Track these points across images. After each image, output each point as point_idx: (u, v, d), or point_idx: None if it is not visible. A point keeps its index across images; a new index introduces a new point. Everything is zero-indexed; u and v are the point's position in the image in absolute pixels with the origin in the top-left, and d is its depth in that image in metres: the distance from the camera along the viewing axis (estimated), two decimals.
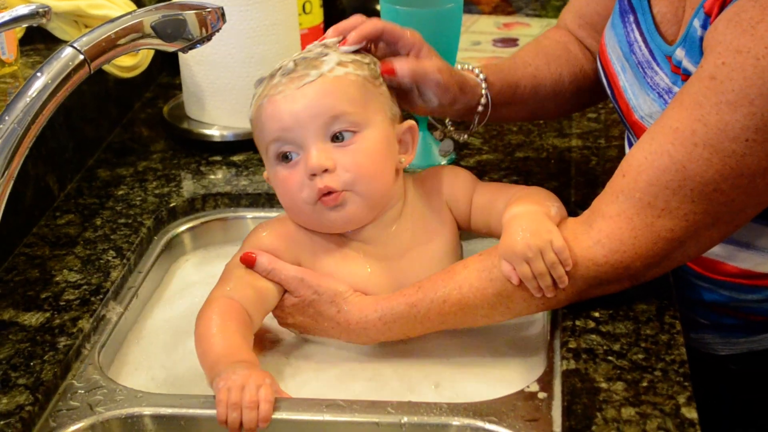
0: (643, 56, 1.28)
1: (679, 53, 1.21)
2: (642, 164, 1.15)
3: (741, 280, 1.30)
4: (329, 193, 1.21)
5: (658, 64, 1.26)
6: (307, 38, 2.05)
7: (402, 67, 1.26)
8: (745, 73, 1.08)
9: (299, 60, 1.24)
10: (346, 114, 1.21)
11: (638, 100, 1.30)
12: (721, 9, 1.13)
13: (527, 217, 1.20)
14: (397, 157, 1.26)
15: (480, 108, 1.38)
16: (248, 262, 1.25)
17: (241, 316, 1.21)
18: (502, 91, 1.41)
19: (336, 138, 1.21)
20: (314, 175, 1.20)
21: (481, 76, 1.39)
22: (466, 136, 1.48)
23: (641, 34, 1.29)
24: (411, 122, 1.28)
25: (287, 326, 1.29)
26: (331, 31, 1.28)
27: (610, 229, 1.16)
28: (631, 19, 1.31)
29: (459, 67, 1.41)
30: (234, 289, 1.24)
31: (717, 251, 1.29)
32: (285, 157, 1.23)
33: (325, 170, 1.20)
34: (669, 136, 1.13)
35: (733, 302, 1.32)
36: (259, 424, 1.09)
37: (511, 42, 2.15)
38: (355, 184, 1.21)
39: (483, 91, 1.38)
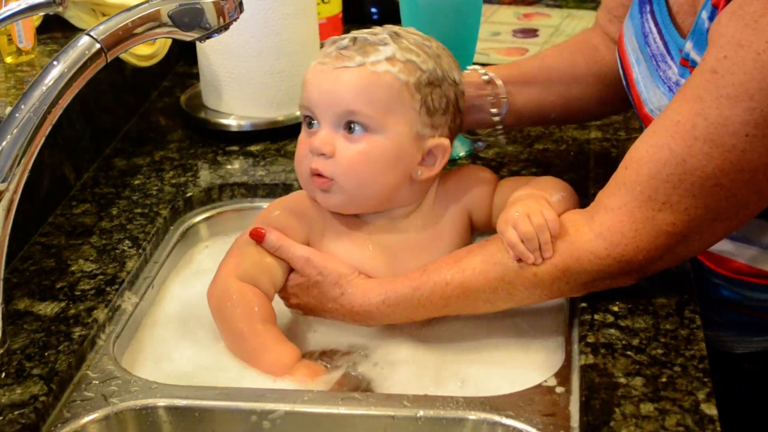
0: (658, 49, 1.27)
1: (688, 46, 1.20)
2: (644, 157, 1.14)
3: (752, 278, 1.28)
4: (320, 174, 1.23)
5: (672, 58, 1.25)
6: (325, 28, 2.05)
7: None
8: (745, 67, 1.07)
9: (359, 39, 1.24)
10: (361, 113, 1.21)
11: (649, 93, 1.28)
12: (728, 1, 1.11)
13: (526, 198, 1.23)
14: (411, 168, 1.24)
15: (496, 118, 1.40)
16: (257, 238, 1.26)
17: (264, 304, 1.24)
18: (510, 77, 1.41)
19: (349, 127, 1.22)
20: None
21: (499, 82, 1.40)
22: (502, 138, 1.46)
23: (656, 25, 1.27)
24: (443, 142, 1.25)
25: (291, 307, 1.29)
26: None
27: (611, 222, 1.15)
28: (648, 9, 1.30)
29: (466, 69, 1.41)
30: (247, 270, 1.25)
31: (725, 248, 1.28)
32: (309, 123, 1.25)
33: (323, 154, 1.22)
34: (670, 130, 1.12)
35: (746, 300, 1.31)
36: None
37: (530, 32, 2.14)
38: (343, 180, 1.23)
39: (503, 99, 1.40)
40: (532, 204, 1.20)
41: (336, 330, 1.28)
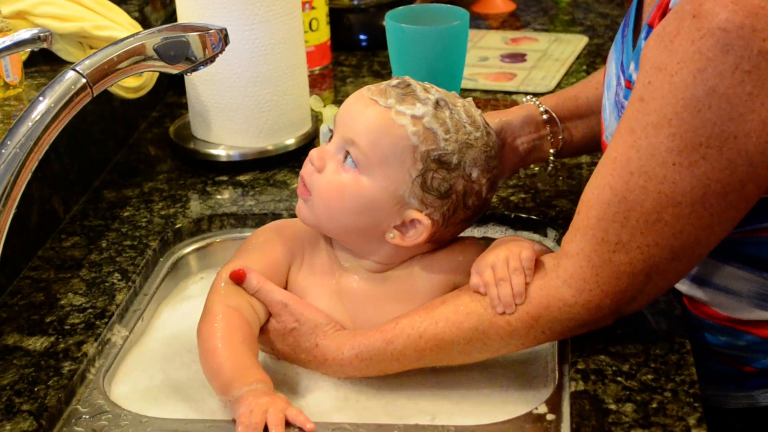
0: (621, 76, 1.25)
1: (631, 67, 1.19)
2: (591, 200, 1.13)
3: (729, 324, 1.26)
4: (305, 183, 1.24)
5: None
6: (313, 55, 2.05)
7: None
8: (662, 91, 1.06)
9: (411, 86, 1.21)
10: (359, 148, 1.20)
11: (607, 121, 1.28)
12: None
13: (508, 241, 1.22)
14: (383, 226, 1.22)
15: (552, 150, 1.39)
16: (237, 279, 1.24)
17: (245, 328, 1.21)
18: (567, 112, 1.40)
19: (346, 156, 1.21)
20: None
21: (548, 116, 1.39)
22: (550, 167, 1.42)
23: (623, 46, 1.26)
24: (424, 221, 1.21)
25: (267, 351, 1.27)
26: None
27: (573, 269, 1.13)
28: (623, 32, 1.29)
29: (524, 101, 1.41)
30: (233, 299, 1.23)
31: (698, 294, 1.26)
32: (331, 135, 1.26)
33: (314, 165, 1.22)
34: (609, 167, 1.11)
35: (726, 348, 1.27)
36: None
37: (519, 57, 2.14)
38: (316, 200, 1.23)
39: (548, 136, 1.38)
40: (512, 247, 1.19)
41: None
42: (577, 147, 1.42)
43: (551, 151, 1.39)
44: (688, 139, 1.05)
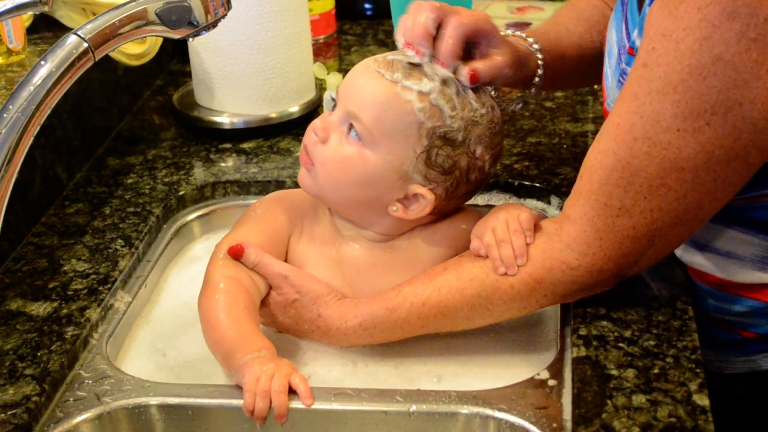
0: (621, 41, 1.24)
1: (635, 34, 1.18)
2: (593, 165, 1.13)
3: (728, 290, 1.26)
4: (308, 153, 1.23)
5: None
6: (317, 24, 2.05)
7: (484, 73, 1.21)
8: (668, 58, 1.05)
9: (417, 62, 1.19)
10: (362, 122, 1.18)
11: (609, 89, 1.27)
12: None
13: (506, 205, 1.22)
14: (386, 199, 1.21)
15: (536, 80, 1.35)
16: (235, 255, 1.23)
17: (246, 298, 1.20)
18: (551, 62, 1.37)
19: (350, 128, 1.20)
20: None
21: (536, 46, 1.35)
22: (520, 105, 1.40)
23: (624, 14, 1.25)
24: (427, 195, 1.20)
25: (269, 325, 1.27)
26: (402, 38, 1.20)
27: (576, 233, 1.13)
28: (626, 1, 1.28)
29: (510, 32, 1.37)
30: (233, 270, 1.22)
31: (696, 260, 1.26)
32: (333, 105, 1.24)
33: (317, 135, 1.21)
34: (612, 133, 1.11)
35: (726, 314, 1.28)
36: (284, 412, 1.10)
37: (524, 26, 2.13)
38: (319, 170, 1.22)
39: (539, 62, 1.34)
40: (511, 210, 1.19)
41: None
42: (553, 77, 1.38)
43: (539, 72, 1.35)
44: (692, 105, 1.05)
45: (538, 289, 1.16)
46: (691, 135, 1.06)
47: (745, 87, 1.03)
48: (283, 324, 1.25)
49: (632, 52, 1.19)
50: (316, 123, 1.22)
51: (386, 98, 1.18)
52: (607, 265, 1.13)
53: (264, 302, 1.25)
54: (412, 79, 1.18)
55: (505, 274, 1.16)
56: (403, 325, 1.20)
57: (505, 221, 1.17)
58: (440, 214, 1.26)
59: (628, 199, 1.10)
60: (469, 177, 1.22)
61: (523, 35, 1.36)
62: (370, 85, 1.19)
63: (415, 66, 1.19)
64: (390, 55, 1.22)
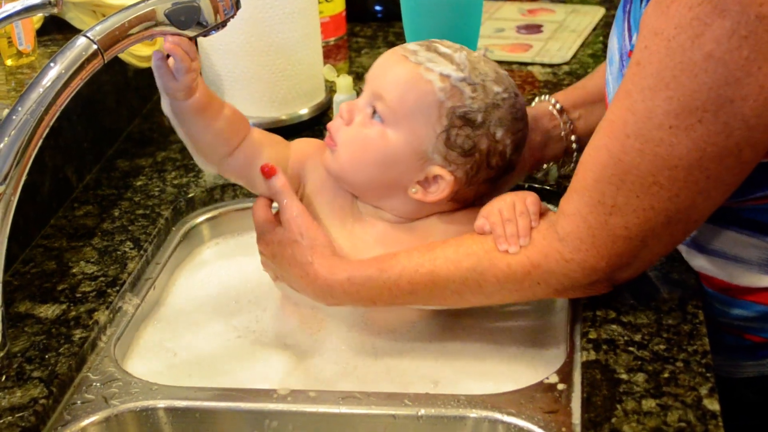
0: (625, 48, 1.24)
1: (635, 38, 1.18)
2: (588, 161, 1.13)
3: (733, 294, 1.25)
4: (332, 135, 1.25)
5: None
6: (328, 26, 2.05)
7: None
8: (659, 55, 1.05)
9: (441, 47, 1.23)
10: (385, 103, 1.21)
11: (611, 95, 1.27)
12: None
13: (516, 191, 1.23)
14: (406, 180, 1.23)
15: (572, 132, 1.39)
16: (267, 174, 1.26)
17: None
18: (578, 101, 1.40)
19: (374, 111, 1.22)
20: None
21: (555, 104, 1.39)
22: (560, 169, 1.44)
23: (628, 22, 1.25)
24: (447, 176, 1.22)
25: (265, 266, 1.29)
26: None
27: (570, 228, 1.13)
28: (627, 8, 1.28)
29: (535, 101, 1.41)
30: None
31: (701, 263, 1.26)
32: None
33: (342, 118, 1.23)
34: (606, 130, 1.11)
35: (734, 320, 1.27)
36: None
37: (535, 28, 2.13)
38: (342, 151, 1.24)
39: (562, 125, 1.38)
40: (519, 193, 1.20)
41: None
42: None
43: (572, 138, 1.39)
44: (684, 102, 1.05)
45: (533, 274, 1.15)
46: (683, 132, 1.05)
47: (737, 84, 1.03)
48: (279, 266, 1.26)
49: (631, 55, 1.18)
50: (343, 106, 1.25)
51: (409, 78, 1.21)
52: (599, 264, 1.13)
53: (267, 239, 1.26)
54: (436, 61, 1.21)
55: (506, 251, 1.16)
56: (392, 287, 1.19)
57: (512, 203, 1.18)
58: (461, 201, 1.27)
59: (621, 197, 1.10)
60: (489, 161, 1.23)
61: (554, 103, 1.40)
62: (395, 67, 1.22)
63: (441, 53, 1.22)
64: (414, 43, 1.25)
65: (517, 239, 1.16)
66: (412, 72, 1.21)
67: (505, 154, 1.24)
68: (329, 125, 1.26)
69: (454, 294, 1.18)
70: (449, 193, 1.23)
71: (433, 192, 1.23)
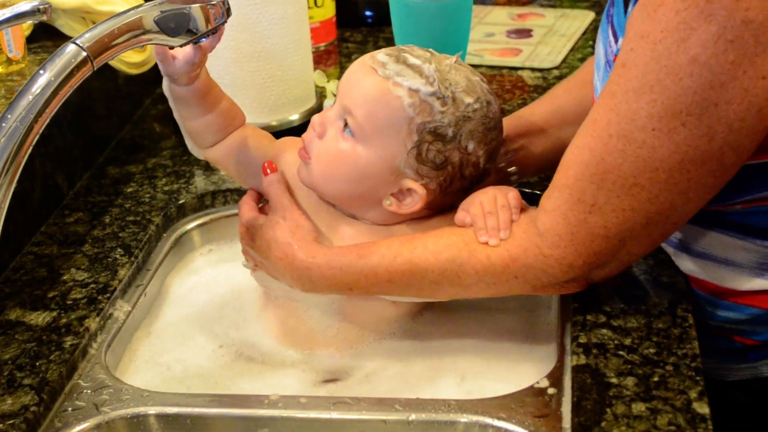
0: (610, 53, 1.25)
1: (620, 42, 1.19)
2: (570, 159, 1.13)
3: (722, 297, 1.26)
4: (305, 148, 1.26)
5: None
6: (318, 32, 2.05)
7: None
8: (645, 58, 1.05)
9: (410, 57, 1.21)
10: (355, 118, 1.20)
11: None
12: None
13: (495, 186, 1.23)
14: (380, 193, 1.23)
15: (511, 164, 1.38)
16: (266, 169, 1.29)
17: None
18: (521, 131, 1.39)
19: (345, 123, 1.22)
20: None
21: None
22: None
23: (612, 27, 1.26)
24: (419, 190, 1.21)
25: (245, 254, 1.30)
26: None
27: (550, 224, 1.14)
28: (611, 13, 1.29)
29: None
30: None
31: (688, 266, 1.26)
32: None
33: (315, 130, 1.24)
34: (589, 129, 1.11)
35: (724, 322, 1.27)
36: None
37: (525, 33, 2.13)
38: (315, 164, 1.24)
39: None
40: (500, 188, 1.21)
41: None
42: (539, 163, 1.40)
43: (511, 170, 1.38)
44: (668, 105, 1.05)
45: (511, 267, 1.15)
46: (665, 135, 1.06)
47: (721, 88, 1.03)
48: (259, 249, 1.25)
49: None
50: (314, 118, 1.24)
51: (377, 94, 1.19)
52: (577, 261, 1.13)
53: (250, 224, 1.27)
54: (405, 75, 1.19)
55: (486, 243, 1.16)
56: (369, 274, 1.19)
57: (493, 196, 1.19)
58: (436, 210, 1.26)
59: (601, 196, 1.10)
60: (463, 173, 1.23)
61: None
62: (363, 81, 1.21)
63: (410, 64, 1.20)
64: (387, 51, 1.23)
65: (498, 232, 1.16)
66: (381, 87, 1.19)
67: (479, 164, 1.24)
68: (303, 137, 1.25)
69: (432, 284, 1.18)
70: (423, 204, 1.23)
71: (407, 204, 1.23)
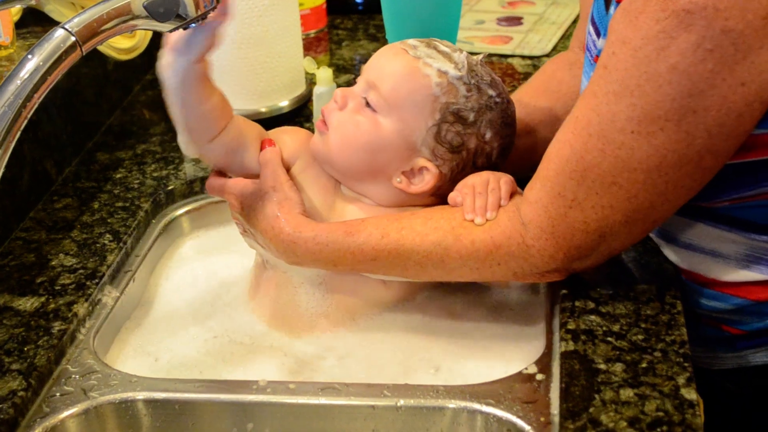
0: (594, 51, 1.25)
1: (600, 43, 1.19)
2: (552, 154, 1.14)
3: (705, 287, 1.26)
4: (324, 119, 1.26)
5: None
6: (308, 18, 2.05)
7: None
8: (626, 63, 1.06)
9: (442, 44, 1.25)
10: (378, 92, 1.22)
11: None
12: None
13: (492, 171, 1.24)
14: (392, 169, 1.24)
15: None
16: (263, 145, 1.28)
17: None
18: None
19: (367, 103, 1.23)
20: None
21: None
22: None
23: (594, 23, 1.26)
24: (433, 170, 1.23)
25: (234, 218, 1.29)
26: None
27: (532, 215, 1.15)
28: (592, 9, 1.29)
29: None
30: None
31: (671, 256, 1.27)
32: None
33: (336, 103, 1.25)
34: (571, 126, 1.12)
35: (708, 310, 1.27)
36: None
37: (515, 21, 2.13)
38: (332, 135, 1.24)
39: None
40: (494, 173, 1.22)
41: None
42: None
43: None
44: (647, 110, 1.06)
45: (494, 254, 1.16)
46: (644, 138, 1.07)
47: (700, 96, 1.04)
48: (247, 215, 1.26)
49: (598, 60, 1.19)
50: (337, 92, 1.26)
51: (406, 71, 1.22)
52: (558, 254, 1.14)
53: (242, 188, 1.26)
54: (435, 58, 1.23)
55: (472, 221, 1.17)
56: (355, 251, 1.20)
57: (486, 179, 1.20)
58: (441, 198, 1.27)
59: (581, 192, 1.11)
60: (476, 161, 1.25)
61: None
62: (393, 59, 1.24)
63: (440, 51, 1.24)
64: (418, 39, 1.27)
65: (485, 212, 1.18)
66: (410, 65, 1.22)
67: (492, 156, 1.25)
68: (323, 108, 1.26)
69: (417, 266, 1.20)
70: (432, 186, 1.24)
71: (416, 183, 1.24)
